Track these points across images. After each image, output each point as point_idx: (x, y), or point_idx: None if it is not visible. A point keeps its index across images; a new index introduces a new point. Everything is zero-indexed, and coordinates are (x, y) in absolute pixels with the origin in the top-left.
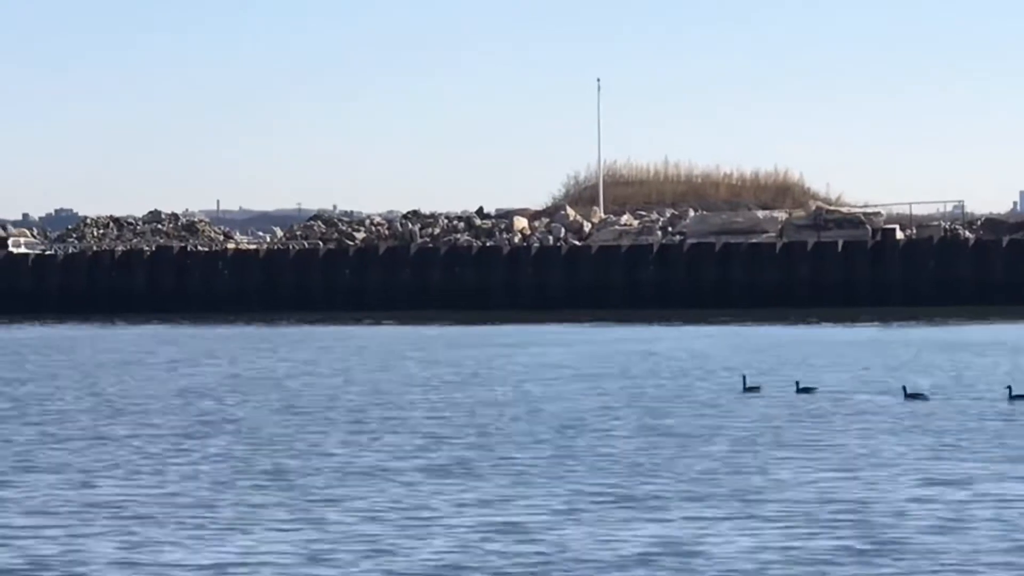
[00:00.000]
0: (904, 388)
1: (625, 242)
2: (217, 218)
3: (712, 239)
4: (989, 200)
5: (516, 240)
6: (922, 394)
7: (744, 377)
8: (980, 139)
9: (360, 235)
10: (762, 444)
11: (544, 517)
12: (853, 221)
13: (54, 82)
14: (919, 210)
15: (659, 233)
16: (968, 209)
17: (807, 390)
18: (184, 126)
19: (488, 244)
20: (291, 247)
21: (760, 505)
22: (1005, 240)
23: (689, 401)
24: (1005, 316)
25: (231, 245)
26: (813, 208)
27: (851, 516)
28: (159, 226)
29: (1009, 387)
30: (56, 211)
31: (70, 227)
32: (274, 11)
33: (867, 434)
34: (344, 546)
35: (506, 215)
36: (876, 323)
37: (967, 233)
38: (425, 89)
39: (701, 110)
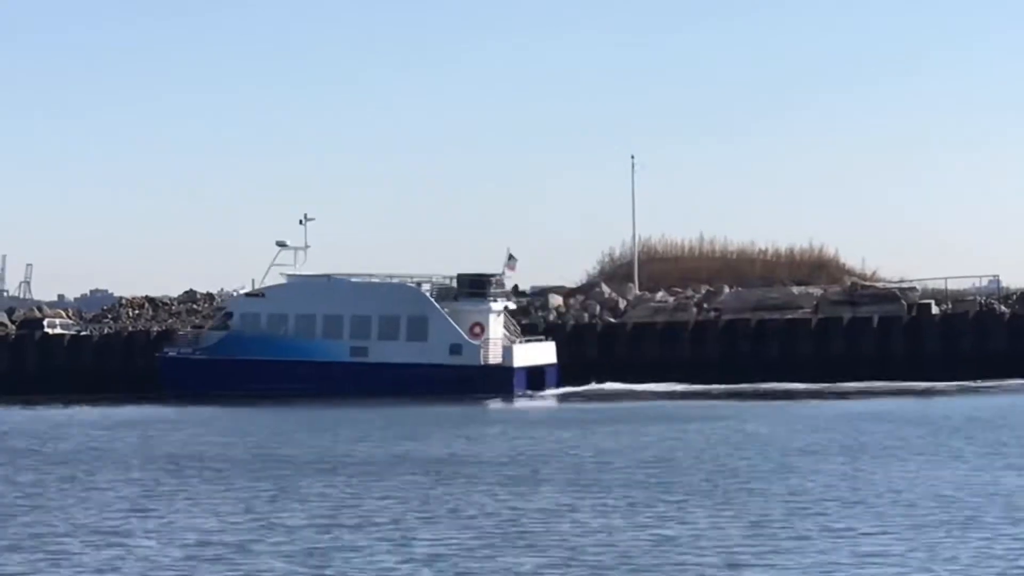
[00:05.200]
0: None
1: (661, 319)
2: None
3: (748, 315)
4: None
5: (552, 317)
6: None
7: None
8: (1016, 214)
9: None
10: None
11: None
12: (888, 296)
13: (89, 165)
14: (954, 285)
15: (694, 310)
16: (1004, 284)
17: None
18: (217, 206)
19: (524, 322)
20: None
21: None
22: None
23: None
24: None
25: None
26: (848, 283)
27: None
28: (194, 306)
29: None
30: (91, 292)
31: (105, 308)
32: (301, 92)
33: None
34: None
35: (542, 292)
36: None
37: (1003, 308)
38: (459, 166)
39: (736, 187)
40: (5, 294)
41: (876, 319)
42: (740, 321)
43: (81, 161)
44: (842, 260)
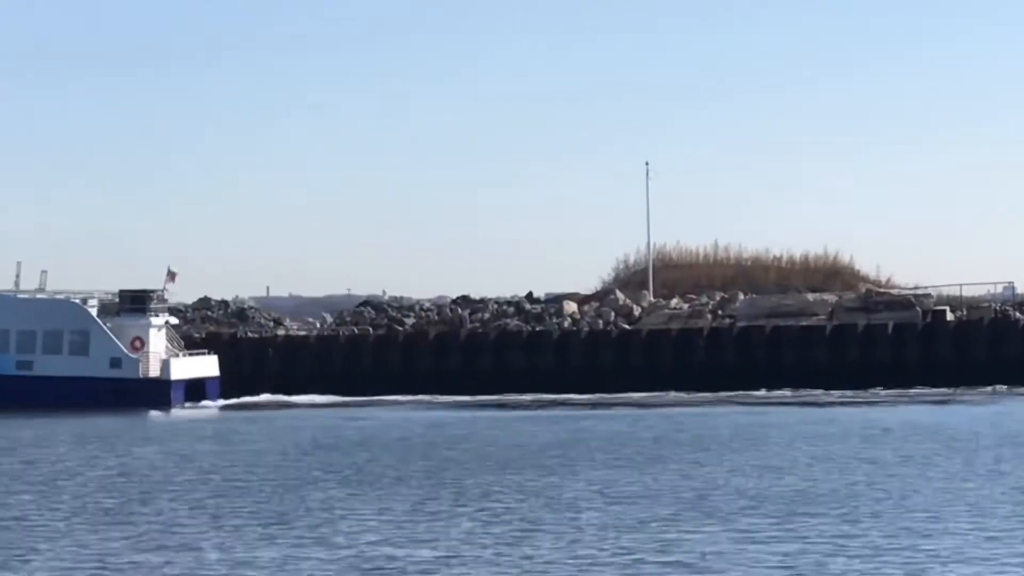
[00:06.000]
0: None
1: (675, 326)
2: (267, 304)
3: (762, 322)
4: None
5: (566, 324)
6: None
7: None
8: None
9: (410, 321)
10: None
11: None
12: (903, 303)
13: (99, 170)
14: (969, 291)
15: (709, 316)
16: (1019, 290)
17: None
18: (233, 213)
19: (538, 329)
20: (341, 333)
21: None
22: None
23: None
24: None
25: (281, 331)
26: (863, 290)
27: None
28: (209, 313)
29: None
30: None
31: None
32: (320, 104)
33: None
34: None
35: (556, 299)
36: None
37: (1017, 314)
38: (472, 174)
39: (750, 193)
40: None
41: (891, 326)
42: (755, 328)
43: (93, 167)
44: (857, 267)
